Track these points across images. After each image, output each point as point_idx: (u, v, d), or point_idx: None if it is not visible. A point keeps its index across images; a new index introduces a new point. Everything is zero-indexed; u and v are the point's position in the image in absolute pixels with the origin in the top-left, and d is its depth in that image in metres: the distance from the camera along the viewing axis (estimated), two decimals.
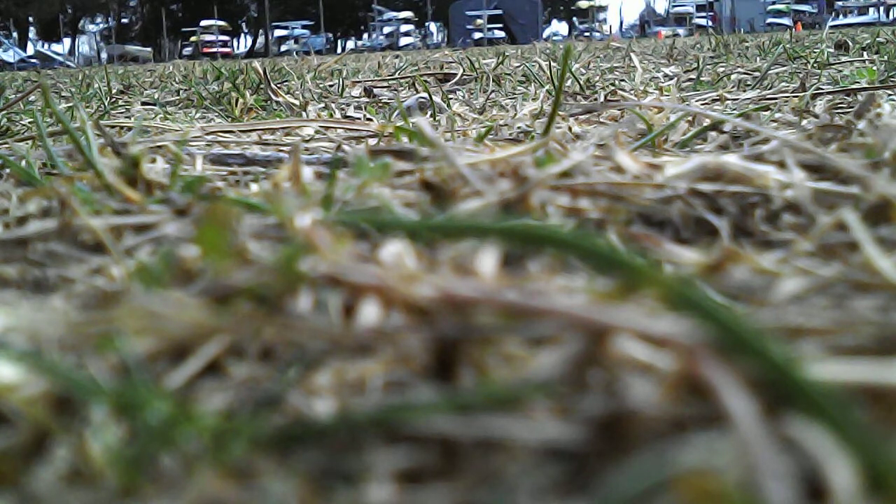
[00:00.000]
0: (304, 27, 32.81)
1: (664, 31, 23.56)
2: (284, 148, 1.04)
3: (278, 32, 32.73)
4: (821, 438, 0.27)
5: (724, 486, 0.25)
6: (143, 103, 2.33)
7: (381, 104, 1.95)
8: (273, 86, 1.95)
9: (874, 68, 1.89)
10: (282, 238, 0.52)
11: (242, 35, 43.75)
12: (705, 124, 0.97)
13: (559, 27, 43.61)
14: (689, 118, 1.05)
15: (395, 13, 31.90)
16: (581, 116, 1.31)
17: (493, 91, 2.10)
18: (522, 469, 0.29)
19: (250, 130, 1.18)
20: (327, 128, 1.26)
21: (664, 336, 0.32)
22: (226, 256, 0.45)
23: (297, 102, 1.86)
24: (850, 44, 3.35)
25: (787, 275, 0.46)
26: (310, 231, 0.45)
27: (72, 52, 39.70)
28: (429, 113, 1.52)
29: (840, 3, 28.58)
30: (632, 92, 1.86)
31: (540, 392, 0.32)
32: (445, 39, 31.02)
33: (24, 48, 36.05)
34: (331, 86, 2.50)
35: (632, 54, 3.55)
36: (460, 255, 0.46)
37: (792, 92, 1.53)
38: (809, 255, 0.51)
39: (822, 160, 0.66)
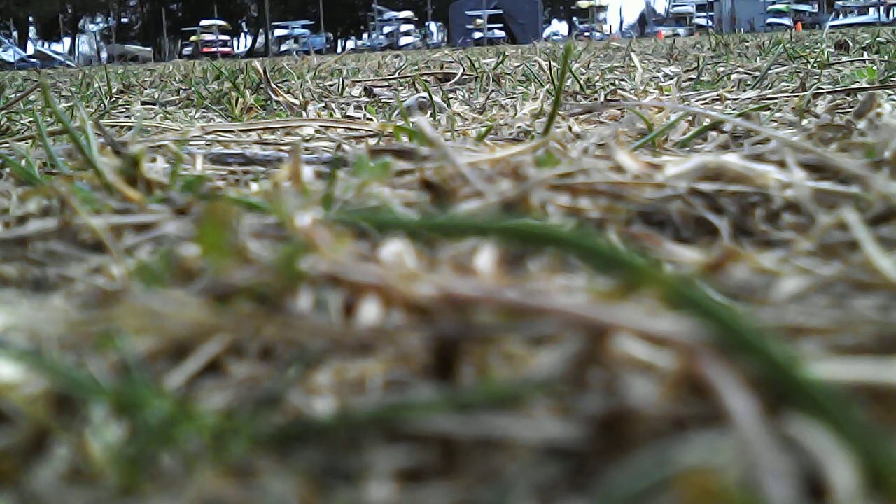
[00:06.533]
0: (304, 27, 32.77)
1: (664, 30, 23.56)
2: (284, 147, 1.04)
3: (278, 32, 32.69)
4: (821, 437, 0.27)
5: (725, 484, 0.25)
6: (143, 103, 2.33)
7: (381, 104, 1.95)
8: (273, 85, 1.95)
9: (874, 68, 1.89)
10: (282, 237, 0.51)
11: (242, 35, 43.75)
12: (705, 124, 0.97)
13: (559, 27, 43.65)
14: (690, 118, 1.05)
15: (395, 13, 31.86)
16: (581, 116, 1.31)
17: (493, 91, 2.10)
18: (522, 468, 0.29)
19: (250, 130, 1.18)
20: (327, 127, 1.26)
21: (664, 335, 0.32)
22: (226, 255, 0.45)
23: (297, 102, 1.86)
24: (850, 44, 3.35)
25: (787, 274, 0.46)
26: (310, 230, 0.45)
27: (72, 51, 39.67)
28: (429, 112, 1.52)
29: (840, 3, 28.56)
30: (632, 91, 1.86)
31: (540, 391, 0.32)
32: (445, 39, 30.99)
33: (24, 48, 36.04)
34: (331, 85, 2.50)
35: (632, 54, 3.55)
36: (460, 254, 0.46)
37: (792, 92, 1.53)
38: (810, 255, 0.51)
39: (822, 160, 0.66)
